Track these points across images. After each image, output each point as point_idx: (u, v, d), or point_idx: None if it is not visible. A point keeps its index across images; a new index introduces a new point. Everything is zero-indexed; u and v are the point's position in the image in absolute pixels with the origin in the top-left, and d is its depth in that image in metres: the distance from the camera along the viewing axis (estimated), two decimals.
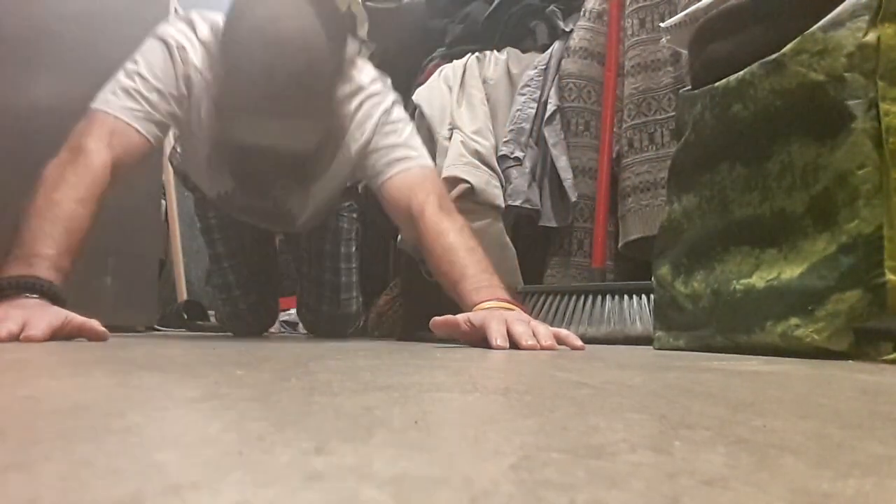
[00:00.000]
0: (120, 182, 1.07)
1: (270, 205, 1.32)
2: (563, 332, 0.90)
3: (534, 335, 0.85)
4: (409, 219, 1.15)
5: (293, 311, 2.25)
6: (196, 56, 1.15)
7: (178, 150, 1.49)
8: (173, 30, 1.17)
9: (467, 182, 1.38)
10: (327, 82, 1.11)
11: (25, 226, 0.92)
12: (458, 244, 1.05)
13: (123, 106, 1.09)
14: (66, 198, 0.95)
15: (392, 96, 1.27)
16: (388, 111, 1.23)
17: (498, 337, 0.84)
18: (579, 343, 0.88)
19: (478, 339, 0.89)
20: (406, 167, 1.19)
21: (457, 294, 1.00)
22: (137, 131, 1.09)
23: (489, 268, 1.03)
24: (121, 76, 1.12)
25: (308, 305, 1.68)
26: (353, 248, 1.64)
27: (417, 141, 1.26)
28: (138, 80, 1.11)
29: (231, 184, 1.31)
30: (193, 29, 1.17)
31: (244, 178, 1.26)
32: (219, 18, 1.17)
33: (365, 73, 1.25)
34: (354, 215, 1.64)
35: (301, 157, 1.18)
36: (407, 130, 1.24)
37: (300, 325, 2.34)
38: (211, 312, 2.28)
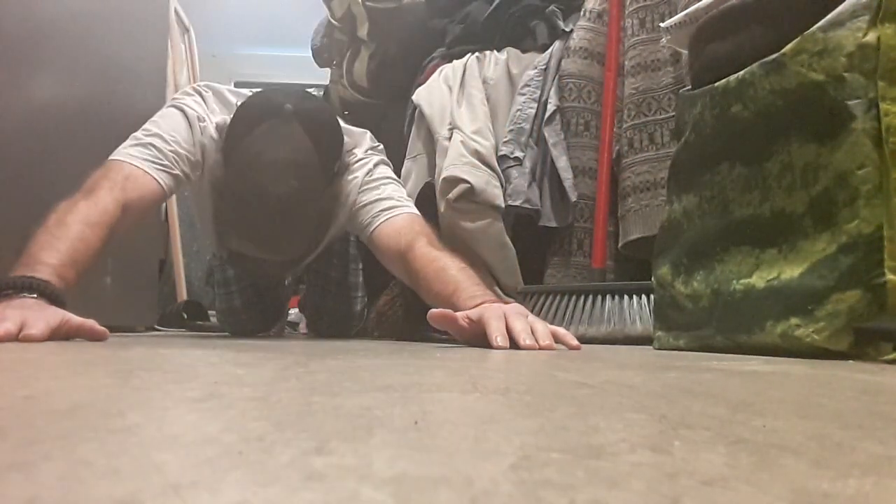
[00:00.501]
0: (131, 223, 1.11)
1: (269, 266, 1.36)
2: (561, 330, 0.91)
3: (532, 333, 0.85)
4: (399, 257, 1.17)
5: (294, 310, 2.25)
6: (212, 130, 1.21)
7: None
8: (192, 102, 1.24)
9: (467, 182, 1.38)
10: (319, 199, 1.17)
11: (33, 241, 0.94)
12: (449, 265, 1.07)
13: (141, 157, 1.14)
14: (76, 220, 0.98)
15: (376, 158, 1.32)
16: (370, 171, 1.29)
17: (498, 336, 0.84)
18: (575, 343, 0.89)
19: (476, 334, 0.89)
20: (393, 214, 1.23)
21: (451, 306, 1.00)
22: (154, 179, 1.13)
23: (481, 282, 1.05)
24: (139, 134, 1.17)
25: (313, 301, 1.68)
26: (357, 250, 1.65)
27: (402, 193, 1.30)
28: (157, 139, 1.16)
29: (230, 250, 1.36)
30: (210, 109, 1.24)
31: (239, 260, 1.31)
32: (226, 95, 1.25)
33: (361, 147, 1.31)
34: None
35: (291, 260, 1.23)
36: (390, 186, 1.29)
37: (301, 324, 2.34)
38: (211, 312, 2.28)
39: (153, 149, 1.14)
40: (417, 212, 1.28)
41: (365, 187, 1.27)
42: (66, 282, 0.91)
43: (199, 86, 1.29)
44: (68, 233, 0.95)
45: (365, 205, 1.26)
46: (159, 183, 1.14)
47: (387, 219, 1.23)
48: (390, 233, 1.21)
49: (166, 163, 1.15)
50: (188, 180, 1.21)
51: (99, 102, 1.71)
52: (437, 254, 1.11)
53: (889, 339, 0.68)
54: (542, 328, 0.87)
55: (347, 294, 1.64)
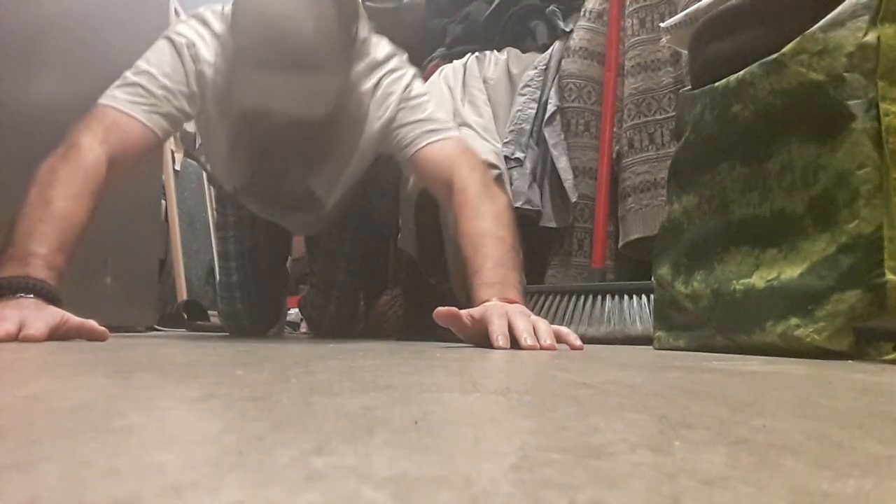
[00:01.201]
0: (119, 177, 1.05)
1: (292, 186, 1.28)
2: (564, 329, 0.90)
3: (534, 332, 0.85)
4: (447, 190, 1.13)
5: (294, 310, 2.25)
6: (209, 52, 1.14)
7: (200, 142, 1.48)
8: (184, 27, 1.17)
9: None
10: (337, 42, 1.08)
11: (19, 225, 0.91)
12: (489, 231, 1.03)
13: (127, 99, 1.08)
14: (59, 195, 0.94)
15: (411, 71, 1.25)
16: (408, 86, 1.22)
17: (500, 336, 0.84)
18: (578, 343, 0.88)
19: (479, 333, 0.89)
20: (440, 137, 1.18)
21: (469, 284, 0.99)
22: (141, 123, 1.07)
23: (509, 262, 1.01)
24: (128, 73, 1.11)
25: (315, 303, 1.67)
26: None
27: (443, 114, 1.25)
28: (144, 77, 1.10)
29: (249, 172, 1.28)
30: (206, 25, 1.16)
31: (262, 159, 1.23)
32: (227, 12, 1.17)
33: (380, 48, 1.24)
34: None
35: (315, 127, 1.15)
36: (431, 106, 1.23)
37: (301, 324, 2.34)
38: (212, 312, 2.28)
39: (139, 88, 1.08)
40: (461, 135, 1.24)
41: (405, 104, 1.21)
42: (57, 271, 0.89)
43: (203, 11, 1.21)
44: (53, 211, 0.92)
45: (407, 123, 1.20)
46: (150, 127, 1.08)
47: (433, 141, 1.17)
48: (439, 158, 1.16)
49: (154, 101, 1.09)
50: (185, 117, 1.16)
51: None
52: (486, 209, 1.06)
53: (889, 339, 0.68)
54: (545, 328, 0.87)
55: (349, 297, 1.64)
